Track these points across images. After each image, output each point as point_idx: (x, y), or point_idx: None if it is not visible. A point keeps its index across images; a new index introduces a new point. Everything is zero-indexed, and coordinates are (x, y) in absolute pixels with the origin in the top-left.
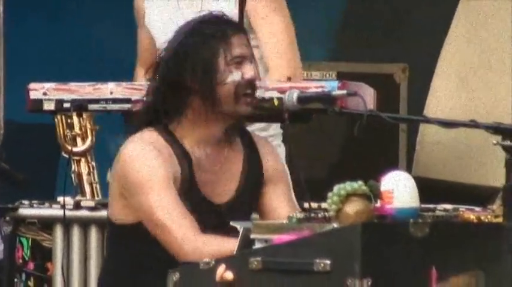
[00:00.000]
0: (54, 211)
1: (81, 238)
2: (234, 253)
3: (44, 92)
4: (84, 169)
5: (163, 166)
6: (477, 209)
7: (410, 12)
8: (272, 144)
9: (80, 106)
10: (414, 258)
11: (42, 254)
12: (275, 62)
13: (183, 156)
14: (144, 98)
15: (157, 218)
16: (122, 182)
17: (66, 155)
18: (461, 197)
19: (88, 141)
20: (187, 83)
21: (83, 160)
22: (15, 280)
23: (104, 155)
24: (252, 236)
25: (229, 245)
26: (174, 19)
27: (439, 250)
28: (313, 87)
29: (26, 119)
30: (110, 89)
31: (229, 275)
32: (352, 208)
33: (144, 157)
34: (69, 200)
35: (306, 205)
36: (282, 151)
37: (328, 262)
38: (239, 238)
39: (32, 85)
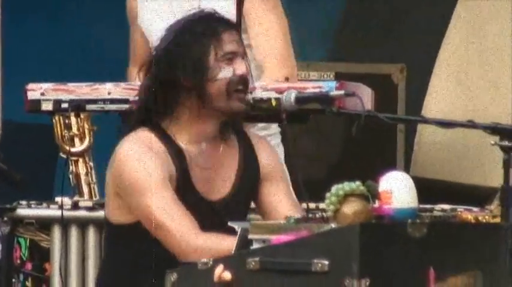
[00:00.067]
0: (52, 211)
1: (79, 238)
2: (233, 248)
3: (42, 92)
4: (82, 169)
5: (159, 165)
6: (475, 209)
7: (408, 12)
8: (268, 142)
9: (78, 106)
10: (412, 258)
11: (40, 255)
12: (271, 62)
13: (178, 154)
14: (137, 97)
15: (156, 218)
16: (117, 182)
17: (64, 156)
18: (459, 198)
19: (86, 142)
20: (179, 80)
21: (80, 160)
22: (13, 280)
23: (102, 156)
24: (250, 236)
25: (229, 243)
26: (167, 19)
27: (437, 250)
28: (311, 87)
29: (24, 120)
30: (108, 90)
31: (227, 276)
32: (350, 208)
33: (140, 156)
34: (67, 201)
35: (304, 205)
36: (281, 150)
37: (326, 262)
38: (237, 238)
39: (30, 85)
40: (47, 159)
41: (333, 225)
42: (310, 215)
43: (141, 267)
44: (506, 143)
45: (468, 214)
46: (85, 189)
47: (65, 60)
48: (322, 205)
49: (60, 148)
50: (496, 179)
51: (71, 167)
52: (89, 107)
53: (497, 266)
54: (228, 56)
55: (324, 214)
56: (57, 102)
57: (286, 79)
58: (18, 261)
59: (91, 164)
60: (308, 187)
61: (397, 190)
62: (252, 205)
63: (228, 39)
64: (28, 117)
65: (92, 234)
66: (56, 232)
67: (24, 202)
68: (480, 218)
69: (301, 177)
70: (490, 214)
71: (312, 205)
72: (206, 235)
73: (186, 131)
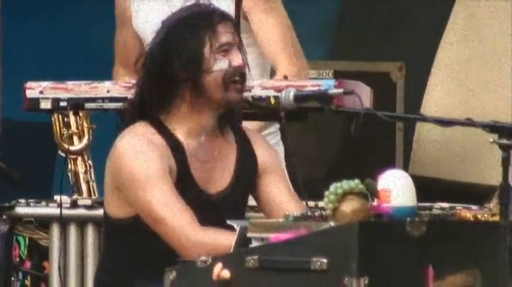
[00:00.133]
0: (51, 210)
1: (78, 237)
2: (232, 247)
3: (41, 90)
4: (80, 167)
5: (159, 158)
6: (474, 207)
7: (407, 10)
8: (264, 136)
9: (77, 105)
10: (411, 257)
11: (39, 253)
12: (283, 57)
13: (177, 147)
14: (134, 91)
15: (156, 212)
16: (116, 175)
17: (62, 154)
18: (458, 196)
19: (85, 140)
20: (175, 73)
21: (79, 158)
22: (12, 278)
23: (101, 154)
24: (249, 234)
25: (228, 239)
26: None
27: (435, 248)
28: (310, 85)
29: (23, 118)
30: (107, 88)
31: (226, 274)
32: (349, 206)
33: (139, 149)
34: (66, 199)
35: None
36: (280, 149)
37: (325, 260)
38: (236, 236)
39: (29, 84)
40: (45, 157)
41: (332, 223)
42: (309, 214)
43: (141, 262)
44: (505, 141)
45: (467, 212)
46: (84, 187)
47: (64, 59)
48: (321, 203)
49: (59, 146)
50: (494, 178)
51: (69, 166)
52: (88, 105)
53: (496, 264)
54: (224, 47)
55: (322, 212)
56: (56, 101)
57: (285, 77)
58: (17, 259)
59: (90, 162)
60: (307, 185)
61: (396, 188)
62: (251, 203)
63: (224, 30)
64: (27, 116)
65: (90, 232)
66: (55, 231)
67: (23, 201)
68: (479, 216)
69: (300, 175)
70: (488, 212)
71: (311, 203)
72: (205, 230)
73: (184, 124)
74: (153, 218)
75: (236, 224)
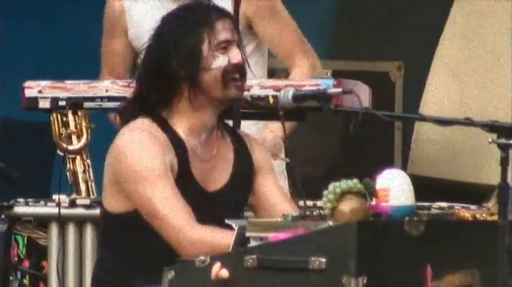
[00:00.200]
0: (50, 209)
1: (77, 236)
2: (231, 246)
3: (39, 90)
4: (79, 167)
5: (161, 152)
6: (472, 207)
7: (406, 10)
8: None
9: (75, 104)
10: (409, 256)
11: (38, 252)
12: (296, 55)
13: (179, 144)
14: (133, 89)
15: (155, 209)
16: (117, 168)
17: (61, 153)
18: (456, 195)
19: (83, 140)
20: (174, 71)
21: (78, 158)
22: (11, 278)
23: (100, 154)
24: (247, 234)
25: (226, 238)
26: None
27: (434, 248)
28: (309, 85)
29: (22, 117)
30: (105, 87)
31: (224, 273)
32: (348, 206)
33: (142, 143)
34: (64, 198)
35: (302, 203)
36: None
37: (323, 260)
38: (234, 235)
39: (27, 83)
40: (44, 157)
41: (330, 223)
42: (307, 213)
43: (140, 259)
44: (503, 140)
45: (465, 211)
46: (82, 187)
47: (62, 59)
48: (319, 203)
49: (57, 145)
50: (493, 177)
51: (68, 165)
52: (87, 104)
53: (495, 264)
54: (222, 44)
55: (321, 211)
56: (55, 100)
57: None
58: (16, 259)
59: (88, 161)
60: (305, 185)
61: (395, 187)
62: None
63: (222, 27)
64: (25, 115)
65: (89, 232)
66: (54, 230)
67: (21, 200)
68: (477, 216)
69: (298, 174)
70: (487, 211)
71: (309, 203)
72: (203, 228)
73: (185, 121)
74: (151, 214)
75: (234, 224)
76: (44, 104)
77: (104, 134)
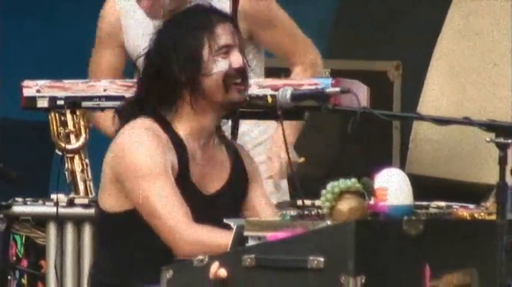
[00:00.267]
0: (48, 209)
1: (75, 236)
2: (227, 246)
3: (38, 89)
4: (77, 166)
5: (162, 152)
6: (471, 206)
7: (404, 9)
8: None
9: (74, 103)
10: (408, 255)
11: (36, 252)
12: (297, 55)
13: (179, 144)
14: (136, 92)
15: (152, 207)
16: (117, 166)
17: (59, 153)
18: (454, 195)
19: (82, 139)
20: (176, 75)
21: (76, 157)
22: (9, 277)
23: (98, 153)
24: (245, 233)
25: (223, 237)
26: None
27: (432, 247)
28: (307, 84)
29: (20, 117)
30: (104, 87)
31: (222, 273)
32: (346, 205)
33: (143, 142)
34: (62, 198)
35: (300, 202)
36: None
37: (321, 259)
38: (232, 235)
39: (26, 82)
40: (42, 156)
41: (329, 222)
42: (305, 212)
43: (138, 259)
44: (502, 140)
45: (464, 211)
46: (81, 186)
47: (62, 59)
48: (317, 202)
49: (56, 145)
50: (491, 176)
51: (66, 164)
52: (85, 104)
53: (493, 263)
54: (223, 49)
55: (319, 211)
56: (53, 99)
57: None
58: (14, 258)
59: (87, 161)
60: (303, 184)
61: (393, 187)
62: None
63: (223, 32)
64: (24, 114)
65: (87, 231)
66: (52, 229)
67: (20, 199)
68: (476, 215)
69: (296, 174)
70: (485, 211)
71: (308, 202)
72: (200, 228)
73: (186, 124)
74: (149, 212)
75: (233, 223)
76: (42, 104)
77: (102, 133)
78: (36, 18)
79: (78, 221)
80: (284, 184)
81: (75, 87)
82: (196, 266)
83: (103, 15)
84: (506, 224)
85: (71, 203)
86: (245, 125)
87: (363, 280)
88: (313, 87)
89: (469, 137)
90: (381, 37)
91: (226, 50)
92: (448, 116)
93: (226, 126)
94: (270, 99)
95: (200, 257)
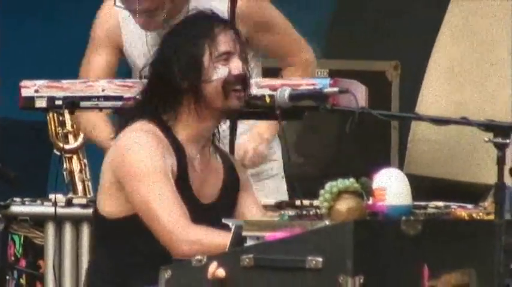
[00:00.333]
0: (46, 209)
1: (73, 236)
2: (226, 246)
3: (36, 89)
4: (76, 166)
5: (163, 156)
6: (469, 206)
7: (403, 9)
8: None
9: (72, 103)
10: (406, 255)
11: (34, 252)
12: (291, 56)
13: (179, 149)
14: (137, 97)
15: (151, 209)
16: (118, 169)
17: (58, 153)
18: (453, 195)
19: (80, 139)
20: (178, 82)
21: (74, 157)
22: (7, 277)
23: (96, 153)
24: (244, 233)
25: (220, 238)
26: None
27: (431, 247)
28: (305, 84)
29: (19, 117)
30: (102, 87)
31: (221, 273)
32: (344, 205)
33: (144, 144)
34: (61, 198)
35: (298, 202)
36: (277, 147)
37: (320, 259)
38: (231, 235)
39: (24, 82)
40: (41, 156)
41: (327, 222)
42: (304, 212)
43: (139, 264)
44: (500, 140)
45: (462, 211)
46: (79, 186)
47: (61, 59)
48: (316, 202)
49: (54, 145)
50: (490, 176)
51: (65, 164)
52: (83, 104)
53: (491, 263)
54: (223, 56)
55: (317, 211)
56: (51, 99)
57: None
58: (12, 258)
59: (85, 161)
60: (302, 184)
61: (391, 187)
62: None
63: (223, 39)
64: (22, 114)
65: (85, 231)
66: (50, 229)
67: (18, 199)
68: (474, 215)
69: (295, 174)
70: (484, 211)
71: (306, 202)
72: (198, 228)
73: (185, 129)
74: (147, 213)
75: (231, 223)
76: (41, 104)
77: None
78: (36, 18)
79: (77, 221)
80: (282, 184)
81: (73, 87)
82: (195, 266)
83: (101, 16)
84: (505, 224)
85: (69, 203)
86: (243, 125)
87: (361, 280)
88: (311, 87)
89: (468, 137)
90: (379, 37)
91: (226, 56)
92: (447, 116)
93: (225, 126)
94: (268, 99)
95: (198, 257)
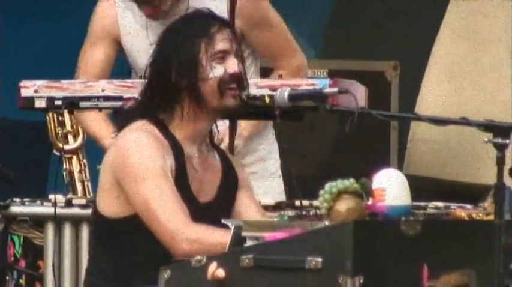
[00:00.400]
0: (46, 209)
1: (73, 236)
2: (226, 245)
3: (35, 89)
4: (75, 166)
5: (163, 156)
6: (468, 206)
7: (402, 9)
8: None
9: (72, 104)
10: (406, 256)
11: (34, 252)
12: (284, 58)
13: (177, 149)
14: (136, 97)
15: (151, 208)
16: (117, 169)
17: (57, 153)
18: (452, 195)
19: (79, 139)
20: (175, 81)
21: (74, 157)
22: (7, 277)
23: (96, 153)
24: (243, 233)
25: (220, 236)
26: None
27: (430, 247)
28: (305, 84)
29: (18, 117)
30: (101, 87)
31: (220, 273)
32: (344, 205)
33: (143, 144)
34: (60, 198)
35: (298, 202)
36: (275, 148)
37: (319, 259)
38: (231, 235)
39: (23, 83)
40: (40, 156)
41: (327, 222)
42: (303, 213)
43: (140, 264)
44: (499, 140)
45: (462, 211)
46: (78, 186)
47: (61, 59)
48: (315, 203)
49: (53, 145)
50: (489, 177)
51: (64, 165)
52: (83, 104)
53: (491, 263)
54: (219, 54)
55: (317, 211)
56: (51, 100)
57: (280, 76)
58: (12, 259)
59: (84, 161)
60: (301, 184)
61: (391, 187)
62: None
63: (220, 38)
64: (22, 115)
65: (85, 231)
66: (50, 230)
67: (17, 199)
68: (474, 215)
69: (294, 174)
70: (483, 211)
71: (306, 202)
72: (199, 227)
73: (183, 129)
74: (148, 213)
75: (231, 223)
76: (40, 104)
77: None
78: (36, 18)
79: (76, 222)
80: (280, 183)
81: (73, 87)
82: (194, 267)
83: (99, 10)
84: (504, 224)
85: (68, 204)
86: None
87: (361, 280)
88: (310, 87)
89: (467, 137)
90: (378, 37)
91: (222, 55)
92: (446, 117)
93: (225, 126)
94: (267, 100)
95: (198, 257)
